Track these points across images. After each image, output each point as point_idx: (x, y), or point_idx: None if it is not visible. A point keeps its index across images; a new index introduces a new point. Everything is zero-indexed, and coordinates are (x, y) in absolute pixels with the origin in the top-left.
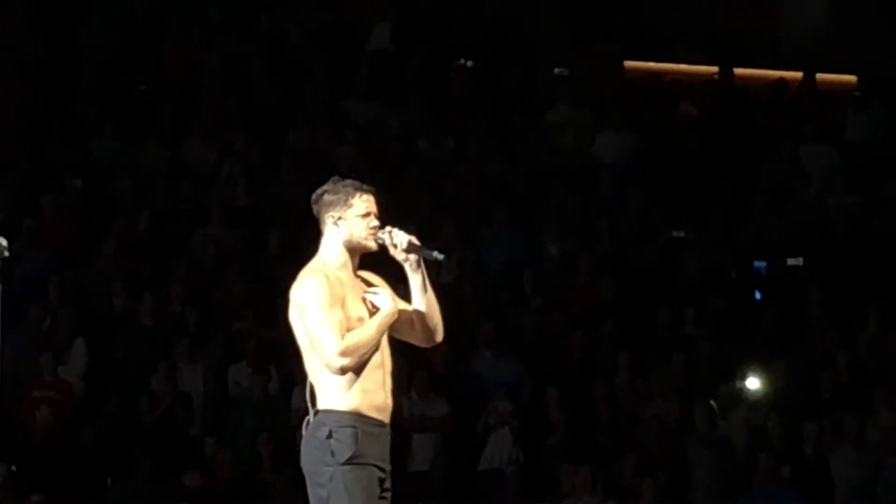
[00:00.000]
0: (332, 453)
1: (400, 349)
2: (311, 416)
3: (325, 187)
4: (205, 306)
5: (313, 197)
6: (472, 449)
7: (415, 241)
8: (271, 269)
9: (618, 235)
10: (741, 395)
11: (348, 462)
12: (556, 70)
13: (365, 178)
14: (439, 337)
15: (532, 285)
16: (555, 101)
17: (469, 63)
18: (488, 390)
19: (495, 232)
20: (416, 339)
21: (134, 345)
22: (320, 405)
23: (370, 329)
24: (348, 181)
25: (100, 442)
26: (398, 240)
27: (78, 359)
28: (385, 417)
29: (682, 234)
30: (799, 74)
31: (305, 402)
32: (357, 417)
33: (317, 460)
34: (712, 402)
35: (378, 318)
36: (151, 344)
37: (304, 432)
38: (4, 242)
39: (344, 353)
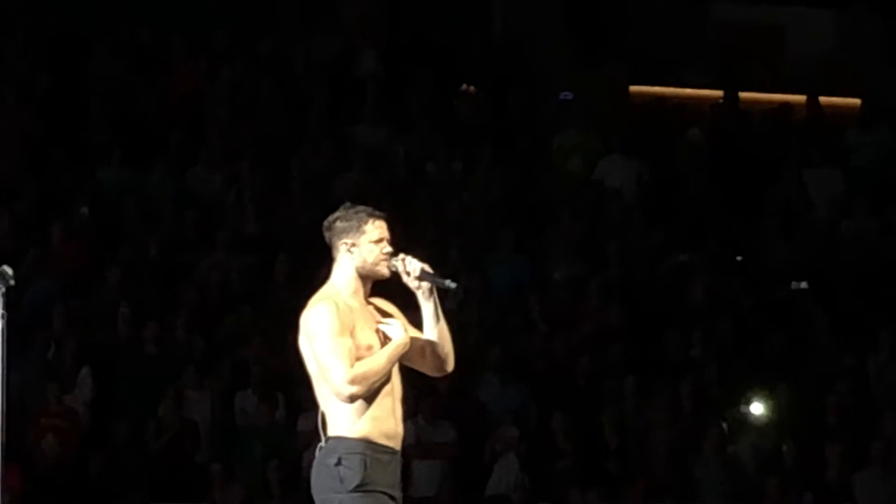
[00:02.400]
0: (341, 480)
1: (406, 375)
2: (322, 444)
3: (337, 214)
4: (211, 333)
5: (326, 224)
6: (479, 475)
7: (427, 268)
8: (278, 295)
9: (624, 260)
10: (749, 419)
11: (357, 489)
12: (562, 95)
13: (371, 203)
14: (450, 367)
15: (538, 310)
16: (560, 126)
17: (472, 88)
18: (495, 416)
19: (501, 257)
20: (426, 368)
21: (140, 372)
22: (330, 432)
23: (381, 359)
24: (361, 207)
25: (107, 470)
26: (411, 267)
27: (84, 387)
28: (396, 444)
29: (688, 258)
30: (803, 98)
31: (315, 428)
32: (367, 444)
33: (326, 487)
34: (724, 425)
35: (389, 348)
36: (158, 371)
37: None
38: (10, 271)
39: (353, 382)
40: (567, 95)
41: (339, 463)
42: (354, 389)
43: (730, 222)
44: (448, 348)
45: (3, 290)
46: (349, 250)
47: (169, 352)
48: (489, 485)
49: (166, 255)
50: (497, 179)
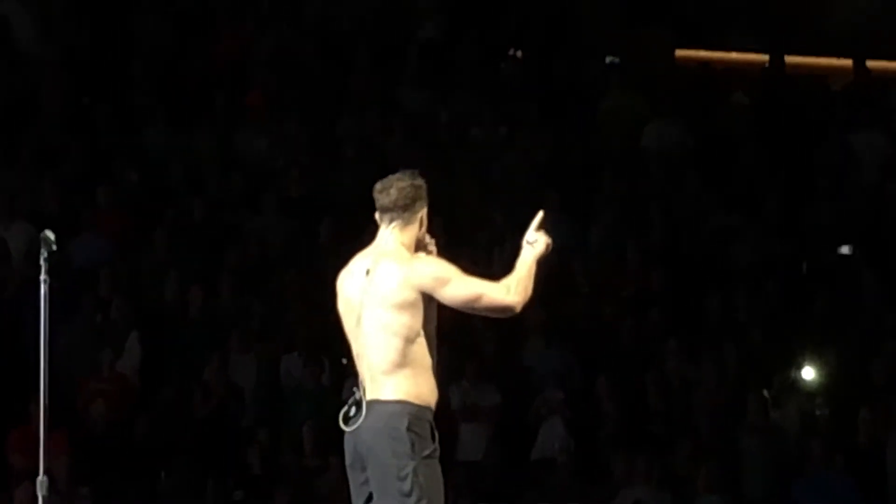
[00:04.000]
0: (413, 446)
1: (450, 338)
2: (363, 404)
3: (416, 181)
4: (257, 297)
5: (403, 185)
6: (525, 438)
7: None
8: (323, 259)
9: (669, 223)
10: (793, 384)
11: (429, 456)
12: (608, 58)
13: (415, 166)
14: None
15: (582, 273)
16: (606, 90)
17: (519, 53)
18: (539, 379)
19: (546, 219)
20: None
21: (186, 336)
22: (392, 395)
23: (521, 269)
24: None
25: (153, 434)
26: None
27: (132, 351)
28: None
29: (733, 221)
30: (849, 61)
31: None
32: (430, 412)
33: (395, 452)
34: (765, 392)
35: (525, 261)
36: (204, 335)
37: (357, 420)
38: (52, 236)
39: (513, 292)
40: (613, 59)
41: (409, 428)
42: (518, 298)
43: (775, 186)
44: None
45: (46, 255)
46: (422, 220)
47: (214, 316)
48: (534, 448)
49: (212, 218)
50: (541, 143)
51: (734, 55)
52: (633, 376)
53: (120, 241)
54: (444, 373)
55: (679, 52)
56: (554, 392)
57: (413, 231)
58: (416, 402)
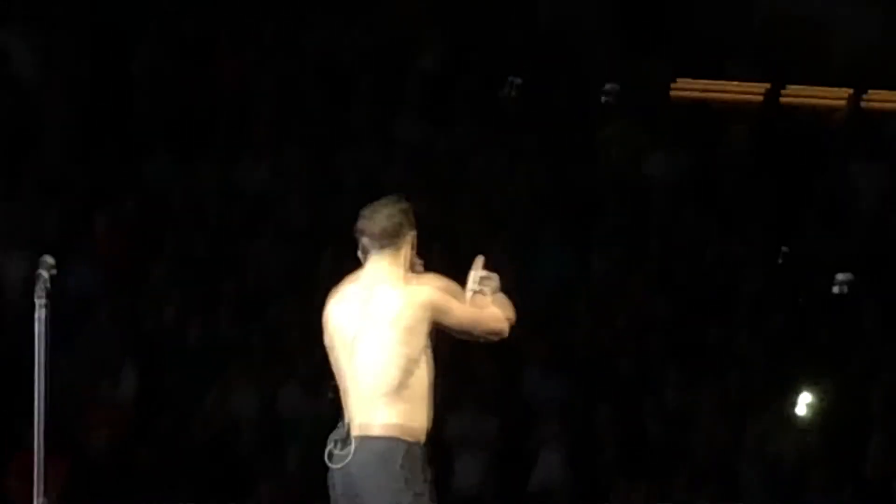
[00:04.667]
0: (407, 481)
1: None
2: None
3: (401, 205)
4: (257, 327)
5: (393, 210)
6: (523, 467)
7: None
8: (323, 288)
9: (668, 252)
10: (794, 412)
11: (421, 494)
12: (607, 87)
13: (415, 196)
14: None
15: (582, 301)
16: (605, 119)
17: (518, 81)
18: (538, 408)
19: (545, 249)
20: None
21: (185, 365)
22: (385, 432)
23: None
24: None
25: (152, 464)
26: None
27: (129, 380)
28: None
29: (733, 250)
30: (850, 91)
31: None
32: (421, 448)
33: (390, 489)
34: (763, 420)
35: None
36: (203, 364)
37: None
38: (51, 259)
39: (506, 318)
40: (612, 87)
41: (402, 466)
42: (507, 324)
43: (775, 214)
44: None
45: (46, 277)
46: (412, 244)
47: (213, 345)
48: (532, 477)
49: (211, 247)
50: (541, 172)
51: (733, 84)
52: (633, 404)
53: (119, 270)
54: (442, 401)
55: (678, 82)
56: (552, 420)
57: (404, 256)
58: (409, 438)
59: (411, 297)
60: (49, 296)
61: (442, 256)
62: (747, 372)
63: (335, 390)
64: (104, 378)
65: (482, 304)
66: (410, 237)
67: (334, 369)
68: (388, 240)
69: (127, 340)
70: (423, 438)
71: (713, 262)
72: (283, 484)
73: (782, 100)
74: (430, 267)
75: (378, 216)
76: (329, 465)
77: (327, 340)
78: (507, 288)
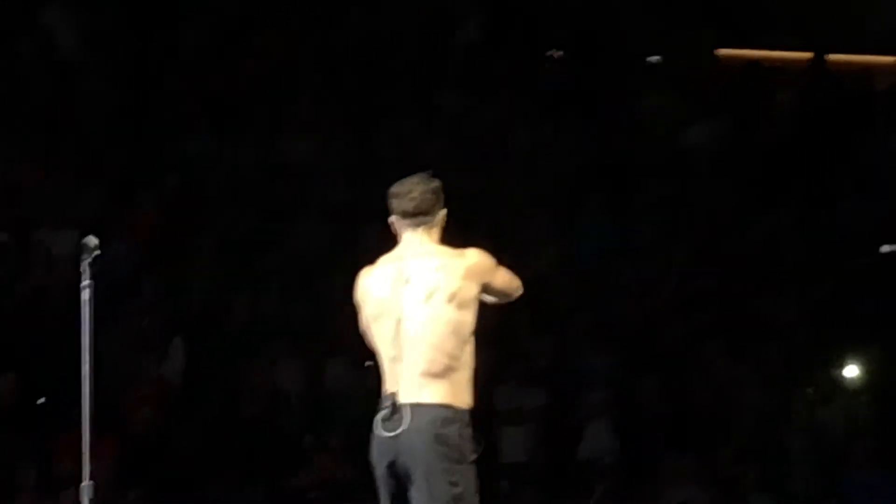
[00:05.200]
0: (462, 452)
1: (495, 339)
2: (403, 407)
3: (434, 184)
4: (301, 302)
5: (427, 188)
6: (570, 440)
7: None
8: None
9: (713, 223)
10: (840, 382)
11: (474, 462)
12: (649, 58)
13: (457, 169)
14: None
15: (627, 274)
16: (648, 89)
17: (559, 53)
18: (585, 380)
19: (589, 221)
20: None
21: (231, 342)
22: (439, 399)
23: None
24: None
25: (199, 440)
26: None
27: (176, 357)
28: None
29: (777, 220)
30: (893, 59)
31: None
32: (471, 416)
33: (447, 457)
34: (809, 391)
35: None
36: (248, 341)
37: (397, 424)
38: (95, 241)
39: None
40: (655, 59)
41: (460, 434)
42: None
43: (819, 183)
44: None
45: (89, 259)
46: (443, 219)
47: (259, 321)
48: (580, 449)
49: (255, 224)
50: (584, 144)
51: (777, 54)
52: (679, 377)
53: (163, 247)
54: (489, 374)
55: (721, 52)
56: (600, 393)
57: (438, 233)
58: (463, 406)
59: (457, 268)
60: (93, 277)
61: (485, 228)
62: (793, 342)
63: (373, 357)
64: (150, 356)
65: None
66: (442, 214)
67: (375, 340)
68: (423, 217)
69: (172, 318)
70: (472, 406)
71: (757, 232)
72: (330, 459)
73: (825, 68)
74: (473, 238)
75: (412, 194)
76: (381, 434)
77: (368, 311)
78: (550, 260)
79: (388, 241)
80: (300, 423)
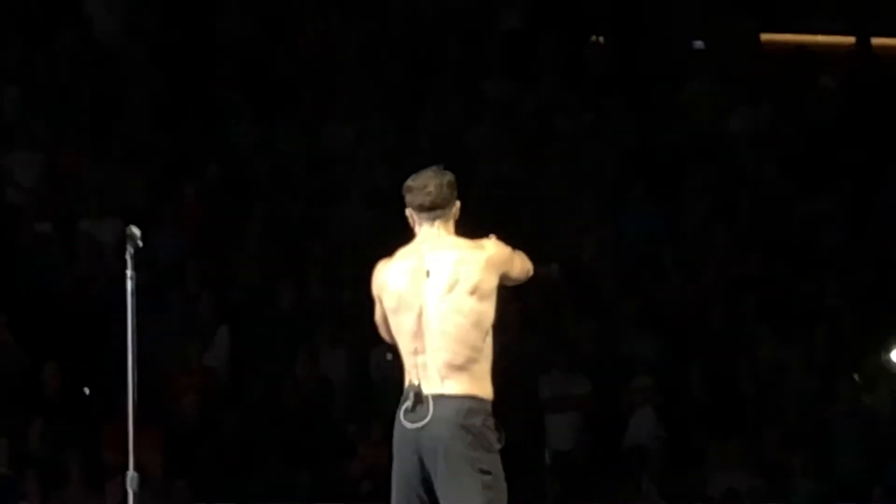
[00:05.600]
0: (489, 441)
1: (540, 328)
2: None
3: (448, 177)
4: (345, 289)
5: (449, 182)
6: (616, 427)
7: None
8: None
9: (757, 208)
10: (886, 367)
11: (499, 451)
12: (693, 43)
13: (501, 156)
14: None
15: (672, 260)
16: (691, 75)
17: (601, 39)
18: (630, 367)
19: (634, 207)
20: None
21: (275, 329)
22: (462, 390)
23: None
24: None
25: (243, 428)
26: None
27: (221, 345)
28: None
29: (822, 205)
30: None
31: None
32: (492, 406)
33: (475, 446)
34: (855, 376)
35: None
36: (293, 328)
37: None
38: (138, 232)
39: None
40: (699, 44)
41: (485, 423)
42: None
43: (864, 168)
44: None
45: (132, 251)
46: (457, 212)
47: (303, 309)
48: (626, 436)
49: (299, 211)
50: (628, 130)
51: (820, 38)
52: (725, 362)
53: (207, 236)
54: (534, 363)
55: (764, 37)
56: (645, 379)
57: (453, 225)
58: (485, 396)
59: (488, 260)
60: (137, 266)
61: (529, 215)
62: (838, 327)
63: (394, 352)
64: (195, 345)
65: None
66: (457, 207)
67: (395, 333)
68: (440, 210)
69: (217, 307)
70: (492, 396)
71: (801, 217)
72: (374, 446)
73: (869, 52)
74: (517, 224)
75: (427, 188)
76: (405, 425)
77: (387, 304)
78: (594, 246)
79: None
80: (344, 410)
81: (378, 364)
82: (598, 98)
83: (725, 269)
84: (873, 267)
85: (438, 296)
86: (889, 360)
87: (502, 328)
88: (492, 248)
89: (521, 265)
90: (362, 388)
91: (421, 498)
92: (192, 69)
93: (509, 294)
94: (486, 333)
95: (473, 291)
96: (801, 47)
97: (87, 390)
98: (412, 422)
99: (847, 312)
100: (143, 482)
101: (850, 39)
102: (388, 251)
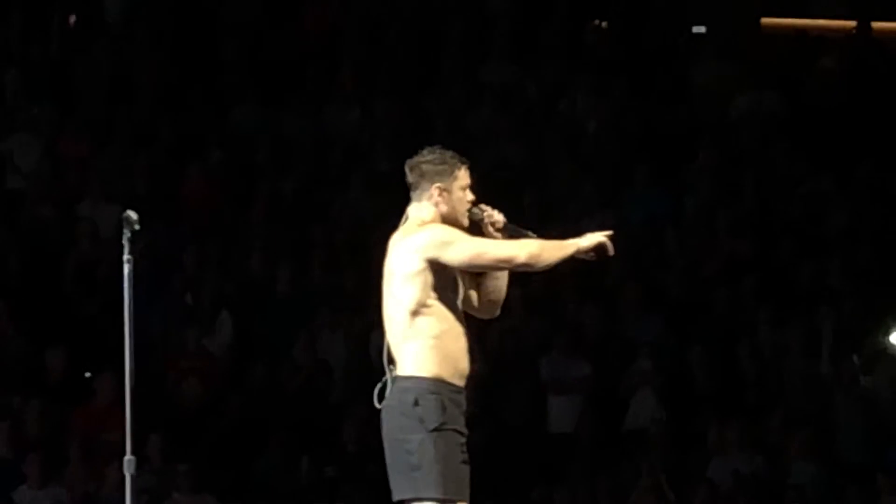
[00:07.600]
0: (421, 420)
1: (540, 310)
2: (388, 382)
3: (428, 156)
4: (345, 273)
5: (412, 164)
6: (616, 409)
7: (508, 223)
8: None
9: (759, 191)
10: (887, 350)
11: (437, 429)
12: (695, 28)
13: (504, 140)
14: (498, 312)
15: (674, 243)
16: (693, 59)
17: (603, 24)
18: (631, 350)
19: (636, 191)
20: (476, 311)
21: (276, 313)
22: (403, 371)
23: (560, 247)
24: (450, 152)
25: (245, 411)
26: (496, 218)
27: (223, 330)
28: (463, 383)
29: (824, 187)
30: None
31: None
32: (440, 384)
33: (403, 427)
34: (854, 358)
35: (566, 242)
36: (293, 312)
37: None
38: (135, 216)
39: (529, 254)
40: (700, 28)
41: (416, 403)
42: (526, 253)
43: (866, 151)
44: (503, 295)
45: (129, 234)
46: (441, 195)
47: (304, 293)
48: (626, 419)
49: (301, 195)
50: (630, 114)
51: (821, 21)
52: (726, 345)
53: (209, 220)
54: (535, 344)
55: (765, 21)
56: (646, 362)
57: (429, 206)
58: (426, 374)
59: (411, 246)
60: (134, 252)
61: (533, 198)
62: (839, 310)
63: None
64: (197, 329)
65: (490, 239)
66: (434, 189)
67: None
68: (413, 190)
69: (219, 291)
70: (445, 375)
71: (803, 200)
72: (374, 430)
73: (870, 36)
74: (520, 209)
75: (409, 166)
76: (378, 406)
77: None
78: (598, 229)
79: None
80: (344, 393)
81: (378, 347)
82: (601, 82)
83: (728, 251)
84: (875, 250)
85: (386, 282)
86: (891, 343)
87: (504, 311)
88: (421, 233)
89: (464, 252)
90: (362, 371)
91: None
92: (195, 52)
93: (512, 279)
94: (417, 314)
95: (397, 274)
96: (801, 31)
97: (88, 374)
98: (379, 404)
99: (849, 295)
100: (144, 466)
101: (851, 23)
102: (389, 235)
